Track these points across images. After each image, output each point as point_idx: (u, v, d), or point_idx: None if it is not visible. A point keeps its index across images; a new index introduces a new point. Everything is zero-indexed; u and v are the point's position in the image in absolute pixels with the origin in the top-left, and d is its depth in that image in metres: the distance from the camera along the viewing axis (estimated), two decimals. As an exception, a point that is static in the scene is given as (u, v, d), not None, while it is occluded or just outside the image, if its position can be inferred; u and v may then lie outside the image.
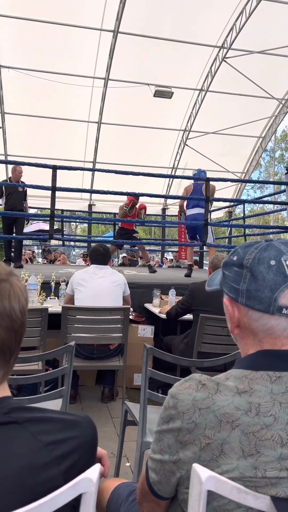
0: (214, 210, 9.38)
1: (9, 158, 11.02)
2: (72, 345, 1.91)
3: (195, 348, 2.84)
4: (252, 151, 13.14)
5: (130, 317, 3.29)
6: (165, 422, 0.79)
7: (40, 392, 2.40)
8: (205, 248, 8.39)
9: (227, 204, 9.71)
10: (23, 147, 11.07)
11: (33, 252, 14.36)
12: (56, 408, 1.87)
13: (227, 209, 11.59)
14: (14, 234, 6.21)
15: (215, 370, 2.33)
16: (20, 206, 6.29)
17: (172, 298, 3.67)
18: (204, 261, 10.07)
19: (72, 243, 13.20)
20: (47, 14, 8.68)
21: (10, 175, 6.46)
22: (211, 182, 5.52)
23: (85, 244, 11.02)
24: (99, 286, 3.15)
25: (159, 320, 3.83)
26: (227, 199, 9.14)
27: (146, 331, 3.70)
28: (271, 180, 21.79)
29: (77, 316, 2.99)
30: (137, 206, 6.45)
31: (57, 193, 4.85)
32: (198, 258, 11.10)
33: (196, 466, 0.71)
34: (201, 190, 5.59)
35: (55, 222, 5.20)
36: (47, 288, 3.97)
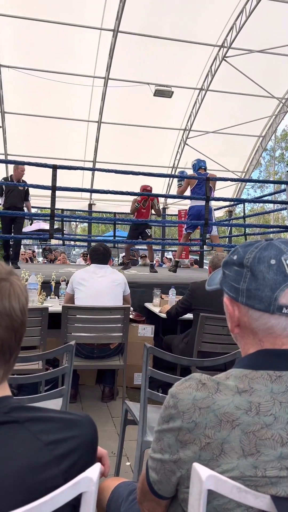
0: (214, 210, 9.37)
1: (9, 158, 11.01)
2: (72, 345, 1.91)
3: (195, 348, 2.84)
4: (252, 151, 13.14)
5: (130, 316, 3.29)
6: (165, 422, 0.79)
7: (41, 391, 2.40)
8: (205, 247, 8.40)
9: (227, 203, 9.70)
10: (23, 146, 11.06)
11: (33, 251, 14.36)
12: (57, 408, 1.87)
13: (227, 208, 11.58)
14: (12, 233, 6.16)
15: (215, 369, 2.33)
16: (19, 205, 6.22)
17: (172, 298, 3.67)
18: (204, 261, 10.06)
19: (72, 242, 13.19)
20: (47, 13, 8.67)
21: (10, 173, 6.40)
22: (212, 172, 5.55)
23: (85, 244, 11.02)
24: (99, 286, 3.15)
25: (159, 319, 3.83)
26: (227, 198, 9.14)
27: (146, 330, 3.70)
28: (271, 179, 21.78)
29: (77, 316, 2.99)
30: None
31: (57, 193, 4.85)
32: (198, 257, 11.11)
33: (196, 466, 0.71)
34: (204, 183, 5.57)
35: (55, 222, 5.19)
36: (47, 288, 3.97)
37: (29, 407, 0.73)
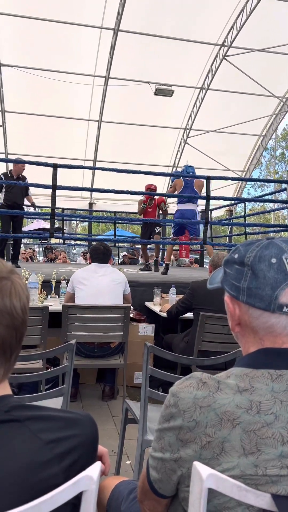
0: (214, 209, 9.37)
1: (10, 157, 11.00)
2: (72, 344, 1.92)
3: (196, 347, 2.84)
4: (253, 150, 13.12)
5: (131, 315, 3.29)
6: (166, 420, 0.79)
7: (41, 390, 2.41)
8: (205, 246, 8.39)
9: (227, 202, 9.69)
10: (24, 145, 11.05)
11: (34, 250, 14.36)
12: (57, 406, 1.87)
13: (227, 207, 11.57)
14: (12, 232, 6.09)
15: (216, 368, 2.34)
16: (20, 201, 6.16)
17: (173, 297, 3.67)
18: (204, 260, 10.06)
19: (72, 241, 13.19)
20: (47, 12, 8.66)
21: (10, 168, 6.32)
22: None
23: (86, 243, 11.02)
24: (100, 285, 3.15)
25: (159, 318, 3.83)
26: (228, 197, 9.13)
27: (146, 329, 3.71)
28: (271, 178, 21.76)
29: (77, 315, 2.99)
30: (156, 198, 6.47)
31: (58, 192, 4.84)
32: (198, 256, 11.10)
33: (197, 464, 0.71)
34: (192, 185, 5.57)
35: (55, 221, 5.19)
36: (47, 287, 3.97)
37: (30, 406, 0.73)
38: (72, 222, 23.80)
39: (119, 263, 11.68)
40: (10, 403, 0.70)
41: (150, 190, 6.21)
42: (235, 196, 13.15)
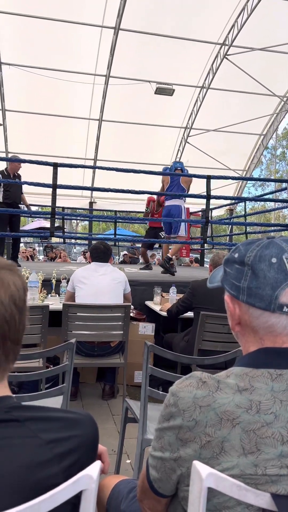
0: (215, 208, 9.36)
1: (10, 156, 11.00)
2: (73, 343, 1.92)
3: (196, 346, 2.84)
4: (253, 149, 13.11)
5: (131, 314, 3.29)
6: (165, 420, 0.79)
7: (41, 389, 2.41)
8: (206, 246, 8.40)
9: (228, 201, 9.69)
10: (24, 144, 11.05)
11: (34, 249, 14.36)
12: (57, 405, 1.87)
13: (228, 206, 11.56)
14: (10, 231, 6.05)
15: (216, 367, 2.34)
16: (19, 200, 6.18)
17: (173, 296, 3.67)
18: (205, 259, 10.06)
19: (73, 240, 13.19)
20: (48, 11, 8.66)
21: (5, 166, 6.27)
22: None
23: (86, 242, 11.02)
24: (100, 284, 3.15)
25: (160, 317, 3.83)
26: (228, 196, 9.12)
27: (147, 328, 3.71)
28: (272, 178, 21.74)
29: (78, 314, 2.99)
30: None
31: (58, 191, 4.84)
32: (198, 255, 11.10)
33: (197, 463, 0.71)
34: (178, 182, 5.56)
35: (56, 220, 5.18)
36: (48, 286, 3.97)
37: (30, 407, 0.73)
38: (73, 221, 23.82)
39: (119, 262, 11.69)
40: (10, 404, 0.70)
41: (151, 200, 6.31)
42: (235, 195, 13.14)
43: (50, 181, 4.76)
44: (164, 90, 9.92)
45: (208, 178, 5.32)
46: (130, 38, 9.33)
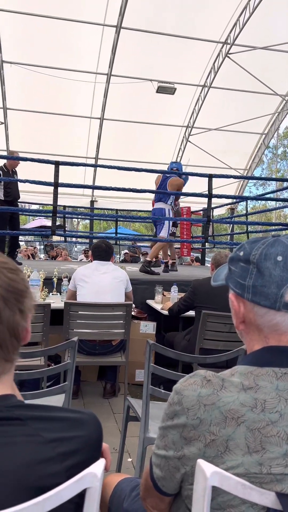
0: (216, 207, 9.36)
1: (8, 151, 11.00)
2: (74, 341, 1.91)
3: (197, 345, 2.84)
4: (255, 148, 13.09)
5: (132, 313, 3.29)
6: (169, 418, 0.79)
7: (43, 387, 2.41)
8: (207, 245, 8.39)
9: (229, 200, 9.68)
10: (25, 143, 11.04)
11: (35, 248, 14.36)
12: (59, 404, 1.87)
13: (229, 205, 11.56)
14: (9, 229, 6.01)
15: (217, 366, 2.33)
16: (19, 197, 6.11)
17: (174, 295, 3.67)
18: (206, 258, 10.05)
19: (74, 239, 13.18)
20: (50, 9, 8.64)
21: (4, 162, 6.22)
22: (177, 177, 5.54)
23: (87, 240, 11.01)
24: (102, 282, 3.15)
25: (161, 316, 3.83)
26: (230, 195, 9.12)
27: (148, 327, 3.71)
28: (273, 177, 21.72)
29: (79, 312, 2.99)
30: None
31: (59, 189, 4.84)
32: (199, 255, 11.09)
33: (201, 462, 0.71)
34: (166, 182, 5.55)
35: (57, 218, 5.18)
36: (49, 284, 3.97)
37: (33, 406, 0.72)
38: (74, 219, 23.81)
39: (120, 261, 11.69)
40: (12, 402, 0.70)
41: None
42: (236, 194, 13.13)
43: (51, 180, 4.75)
44: (165, 89, 9.91)
45: (210, 176, 5.32)
46: (131, 36, 9.31)
